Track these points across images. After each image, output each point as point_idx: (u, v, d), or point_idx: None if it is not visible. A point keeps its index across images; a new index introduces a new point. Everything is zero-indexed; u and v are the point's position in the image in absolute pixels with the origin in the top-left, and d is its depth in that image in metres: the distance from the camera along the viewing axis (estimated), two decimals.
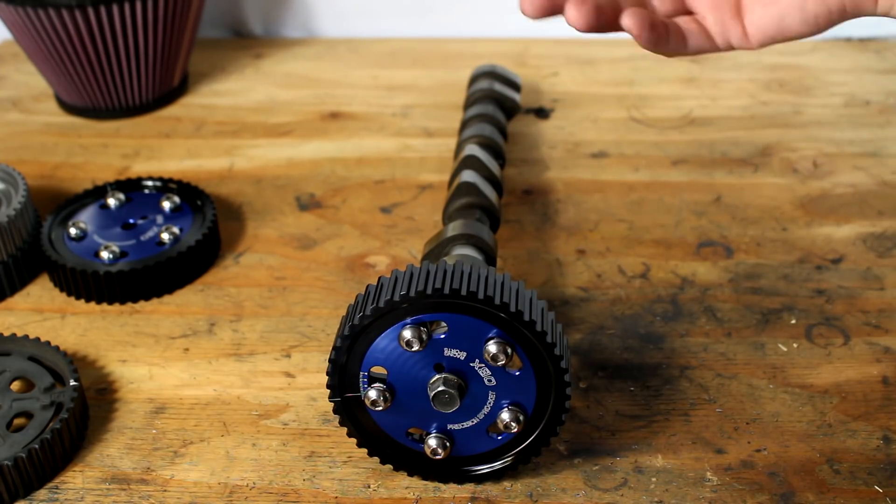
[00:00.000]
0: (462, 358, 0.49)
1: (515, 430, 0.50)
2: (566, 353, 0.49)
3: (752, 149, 0.83)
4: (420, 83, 0.95)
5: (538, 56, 0.99)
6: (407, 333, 0.48)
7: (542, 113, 0.89)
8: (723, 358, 0.61)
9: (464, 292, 0.47)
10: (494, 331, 0.48)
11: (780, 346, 0.62)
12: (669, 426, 0.56)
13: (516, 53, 0.99)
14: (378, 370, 0.50)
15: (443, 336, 0.48)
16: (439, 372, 0.49)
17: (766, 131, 0.85)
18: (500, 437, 0.51)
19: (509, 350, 0.48)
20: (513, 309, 0.47)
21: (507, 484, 0.53)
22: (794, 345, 0.62)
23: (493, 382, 0.50)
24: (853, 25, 1.00)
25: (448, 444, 0.51)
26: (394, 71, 0.98)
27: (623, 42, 1.01)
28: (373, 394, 0.50)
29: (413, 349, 0.48)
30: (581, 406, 0.58)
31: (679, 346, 0.62)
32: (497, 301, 0.47)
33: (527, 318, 0.47)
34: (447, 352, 0.49)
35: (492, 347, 0.48)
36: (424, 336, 0.48)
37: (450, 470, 0.53)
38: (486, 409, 0.50)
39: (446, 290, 0.47)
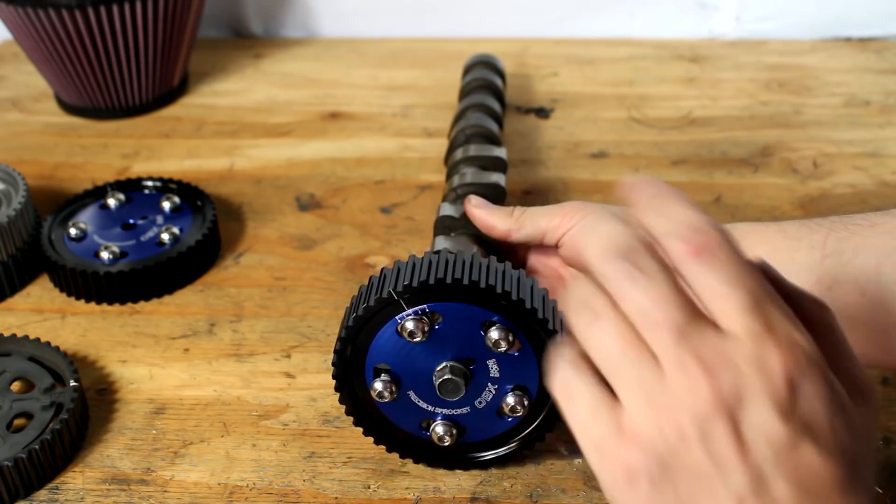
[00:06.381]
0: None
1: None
2: None
3: (752, 149, 0.82)
4: (420, 83, 0.95)
5: (538, 56, 0.99)
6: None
7: (542, 113, 0.89)
8: None
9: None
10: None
11: None
12: None
13: (516, 53, 0.99)
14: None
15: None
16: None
17: (766, 131, 0.85)
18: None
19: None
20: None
21: (507, 484, 0.53)
22: None
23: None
24: (853, 25, 1.00)
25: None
26: (394, 71, 0.98)
27: (623, 42, 1.01)
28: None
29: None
30: None
31: None
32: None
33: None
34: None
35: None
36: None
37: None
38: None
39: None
